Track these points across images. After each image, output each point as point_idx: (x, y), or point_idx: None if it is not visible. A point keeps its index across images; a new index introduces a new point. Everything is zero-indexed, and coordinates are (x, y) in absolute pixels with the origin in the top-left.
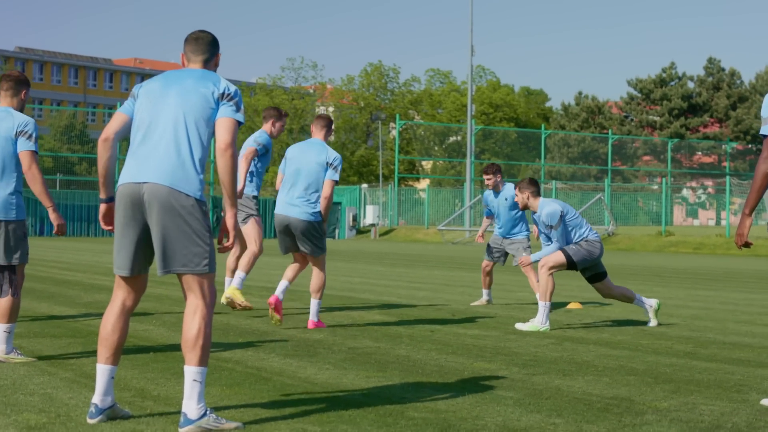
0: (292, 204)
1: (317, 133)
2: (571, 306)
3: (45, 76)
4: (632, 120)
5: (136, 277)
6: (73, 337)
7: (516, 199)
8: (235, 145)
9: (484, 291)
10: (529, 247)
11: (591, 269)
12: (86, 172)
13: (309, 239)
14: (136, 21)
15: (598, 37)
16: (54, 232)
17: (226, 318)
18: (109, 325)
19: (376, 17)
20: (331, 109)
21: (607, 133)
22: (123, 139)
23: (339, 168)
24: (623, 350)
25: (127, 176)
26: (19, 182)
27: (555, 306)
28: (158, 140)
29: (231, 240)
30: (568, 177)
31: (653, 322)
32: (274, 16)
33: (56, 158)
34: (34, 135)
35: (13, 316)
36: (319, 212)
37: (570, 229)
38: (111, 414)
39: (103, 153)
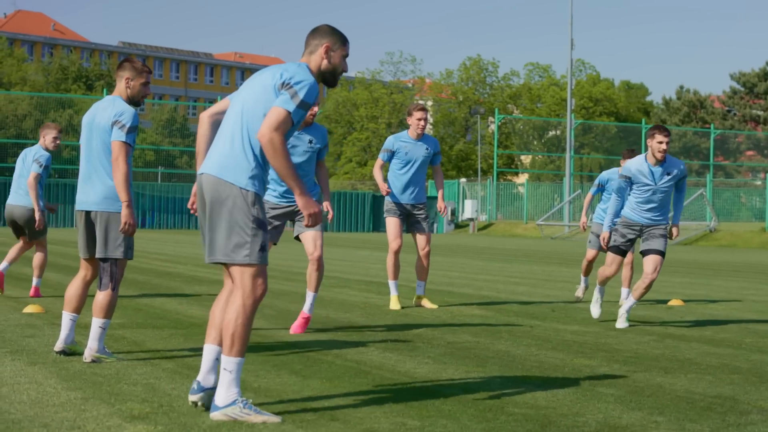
0: None
1: None
2: (672, 303)
3: None
4: (735, 114)
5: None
6: (175, 329)
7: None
8: (275, 132)
9: (583, 278)
10: None
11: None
12: (187, 165)
13: None
14: (236, 15)
15: (700, 30)
16: (120, 229)
17: (325, 311)
18: (216, 307)
19: (475, 11)
20: (429, 103)
21: (709, 128)
22: (220, 122)
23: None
24: (726, 348)
25: (200, 168)
26: None
27: (657, 302)
28: (221, 134)
29: (307, 220)
30: None
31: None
32: (374, 11)
33: (158, 151)
34: (127, 125)
35: (109, 311)
36: None
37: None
38: (213, 396)
39: (198, 130)
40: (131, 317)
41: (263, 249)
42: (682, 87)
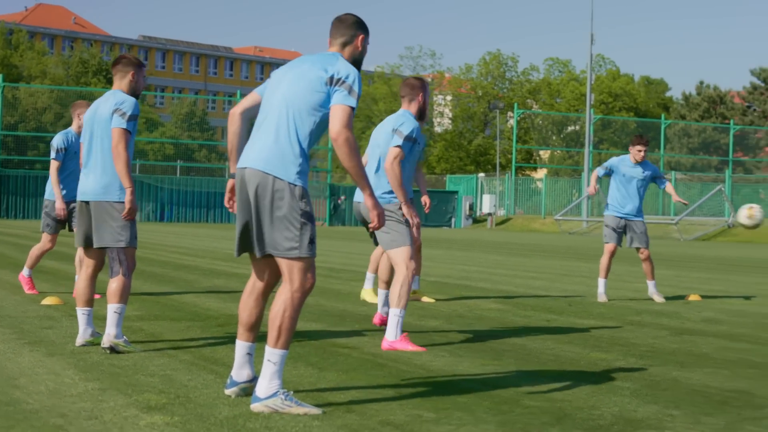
0: None
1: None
2: (690, 298)
3: (167, 64)
4: (755, 110)
5: (264, 259)
6: (192, 321)
7: (643, 154)
8: (348, 130)
9: (602, 281)
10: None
11: None
12: (206, 159)
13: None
14: (256, 9)
15: (721, 26)
16: (123, 214)
17: (342, 304)
18: (244, 303)
19: (494, 6)
20: (449, 97)
21: (729, 124)
22: (253, 117)
23: (405, 130)
24: (743, 343)
25: (239, 161)
26: None
27: (675, 298)
28: (264, 127)
29: (375, 221)
30: (688, 168)
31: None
32: (394, 5)
33: (177, 145)
34: (128, 113)
35: (123, 297)
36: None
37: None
38: (247, 389)
39: (228, 127)
40: (149, 309)
41: (312, 242)
42: (702, 83)
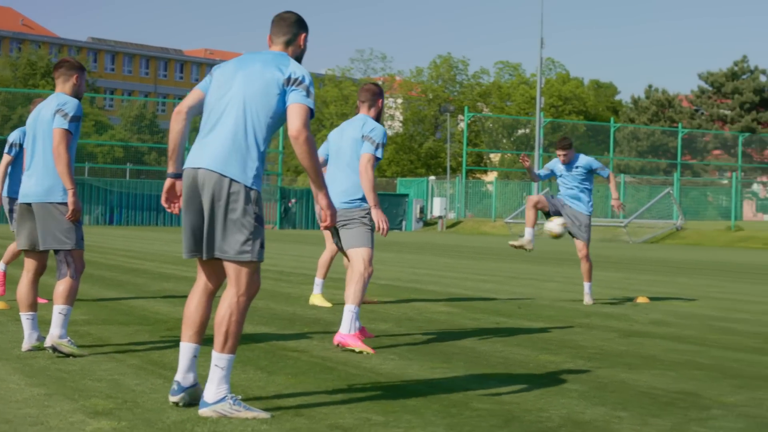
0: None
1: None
2: (638, 300)
3: (116, 66)
4: (703, 114)
5: (211, 261)
6: (141, 325)
7: (563, 158)
8: (308, 130)
9: (529, 230)
10: (590, 226)
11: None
12: (155, 162)
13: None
14: (206, 12)
15: (669, 30)
16: (67, 215)
17: (292, 308)
18: (191, 304)
19: (445, 9)
20: (399, 100)
21: (677, 127)
22: (197, 115)
23: (378, 140)
24: (690, 345)
25: (188, 161)
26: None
27: (622, 300)
28: (219, 127)
29: (327, 219)
30: (636, 171)
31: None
32: (345, 8)
33: (126, 148)
34: (70, 114)
35: (69, 298)
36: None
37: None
38: (193, 394)
39: (173, 125)
40: (97, 313)
41: (262, 246)
42: (650, 86)
